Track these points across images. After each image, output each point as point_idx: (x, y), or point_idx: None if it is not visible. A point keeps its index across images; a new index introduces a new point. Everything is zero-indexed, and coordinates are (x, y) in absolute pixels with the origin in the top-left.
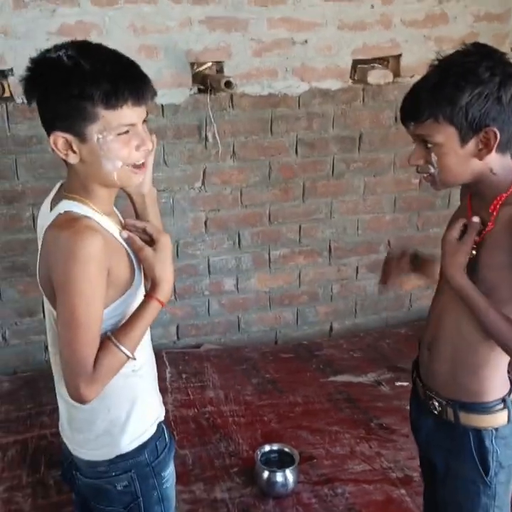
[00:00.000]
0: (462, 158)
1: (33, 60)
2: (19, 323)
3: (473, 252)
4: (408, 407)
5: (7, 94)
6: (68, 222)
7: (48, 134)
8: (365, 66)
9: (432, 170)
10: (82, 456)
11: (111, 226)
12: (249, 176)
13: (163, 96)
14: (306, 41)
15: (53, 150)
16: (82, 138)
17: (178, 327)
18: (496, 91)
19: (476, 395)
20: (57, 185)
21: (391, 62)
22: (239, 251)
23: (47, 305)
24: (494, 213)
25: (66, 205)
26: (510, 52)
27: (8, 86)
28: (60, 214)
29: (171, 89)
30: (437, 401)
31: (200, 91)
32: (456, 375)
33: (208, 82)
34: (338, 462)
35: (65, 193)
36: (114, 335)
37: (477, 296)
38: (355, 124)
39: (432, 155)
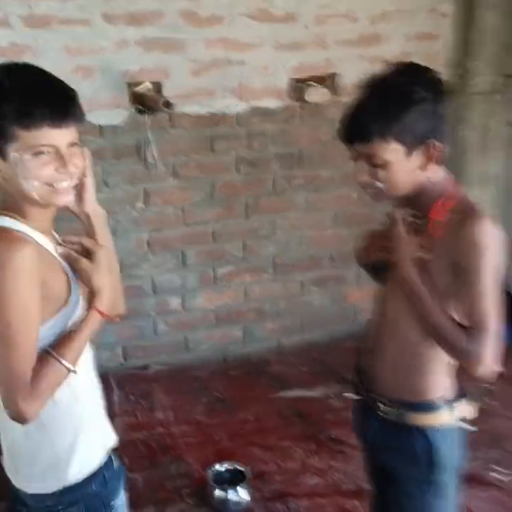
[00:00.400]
0: (408, 172)
1: None
2: None
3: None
4: None
5: None
6: (0, 235)
7: None
8: (303, 85)
9: (379, 185)
10: (27, 489)
11: (45, 242)
12: (192, 194)
13: (102, 117)
14: (243, 61)
15: None
16: (3, 156)
17: (124, 348)
18: (434, 106)
19: (419, 395)
20: None
21: (328, 81)
22: (184, 270)
23: None
24: (441, 219)
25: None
26: (442, 69)
27: None
28: None
29: (109, 110)
30: (382, 402)
31: (139, 111)
32: (398, 375)
33: (146, 102)
34: (290, 477)
35: (0, 211)
36: (53, 348)
37: (424, 291)
38: (295, 142)
39: (379, 171)
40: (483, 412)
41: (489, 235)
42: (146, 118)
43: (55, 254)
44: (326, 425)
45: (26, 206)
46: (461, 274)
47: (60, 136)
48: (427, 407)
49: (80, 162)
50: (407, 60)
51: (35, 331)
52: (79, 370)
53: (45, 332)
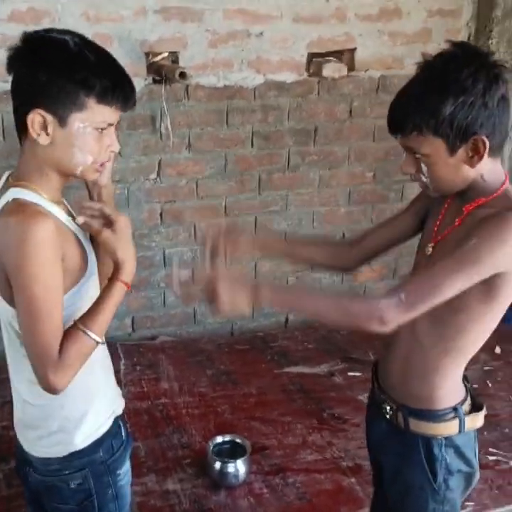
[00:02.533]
0: (453, 168)
1: (28, 34)
2: None
3: (430, 249)
4: (360, 397)
5: None
6: (17, 209)
7: (26, 110)
8: (320, 59)
9: (424, 179)
10: (35, 453)
11: (60, 214)
12: (205, 167)
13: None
14: (261, 33)
15: (20, 127)
16: (62, 122)
17: (133, 319)
18: (480, 98)
19: (425, 402)
20: (4, 178)
21: (346, 55)
22: (195, 243)
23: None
24: (465, 212)
25: (14, 193)
26: None
27: None
28: (7, 202)
29: None
30: (389, 405)
31: (155, 81)
32: (406, 379)
33: (162, 72)
34: (290, 452)
35: (13, 182)
36: (80, 321)
37: (290, 300)
38: (310, 117)
39: (422, 165)
40: (481, 395)
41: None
42: (162, 89)
43: (70, 227)
44: (329, 403)
45: (50, 174)
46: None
47: (117, 117)
48: (434, 416)
49: None
50: (426, 36)
51: (59, 303)
52: None
53: (65, 304)
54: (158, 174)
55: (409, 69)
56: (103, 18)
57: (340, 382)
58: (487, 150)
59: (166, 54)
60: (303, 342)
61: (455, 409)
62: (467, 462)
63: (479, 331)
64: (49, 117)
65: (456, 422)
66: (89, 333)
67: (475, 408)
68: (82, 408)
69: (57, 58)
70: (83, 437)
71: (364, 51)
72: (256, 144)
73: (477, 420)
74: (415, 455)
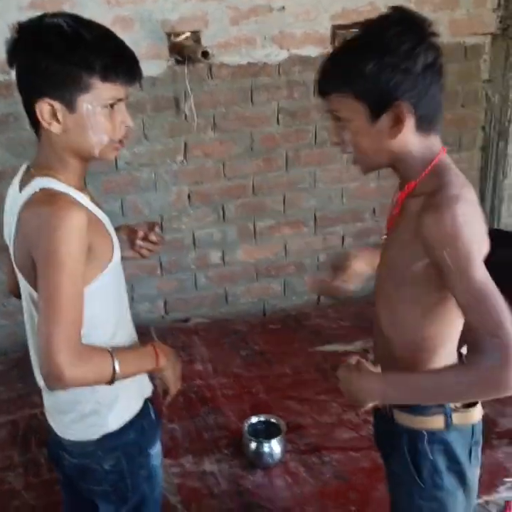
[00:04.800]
0: (375, 137)
1: (22, 24)
2: (7, 304)
3: (384, 237)
4: None
5: None
6: (48, 199)
7: (32, 102)
8: (345, 32)
9: (348, 150)
10: (68, 436)
11: (86, 201)
12: (232, 147)
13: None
14: (283, 7)
15: (33, 119)
16: (70, 107)
17: (165, 302)
18: (404, 61)
19: None
20: (23, 168)
21: None
22: (224, 223)
23: (25, 287)
24: (399, 200)
25: (41, 182)
26: (489, 14)
27: None
28: (36, 192)
29: (148, 61)
30: None
31: (177, 62)
32: (389, 369)
33: (185, 53)
34: (325, 431)
35: (36, 171)
36: (113, 349)
37: (410, 390)
38: None
39: (345, 132)
40: None
41: (457, 226)
42: (185, 69)
43: (95, 212)
44: None
45: (71, 161)
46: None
47: (126, 92)
48: (416, 409)
49: None
50: (454, 3)
51: (82, 295)
52: (122, 323)
53: (92, 291)
54: (185, 156)
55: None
56: (123, 0)
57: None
58: (411, 121)
59: (187, 34)
60: (336, 319)
61: (441, 404)
62: (456, 461)
63: (443, 321)
64: (57, 104)
65: (441, 417)
66: (115, 359)
67: (470, 404)
68: (113, 391)
69: (53, 43)
70: (116, 419)
71: None
72: (282, 121)
73: (469, 417)
74: (400, 448)
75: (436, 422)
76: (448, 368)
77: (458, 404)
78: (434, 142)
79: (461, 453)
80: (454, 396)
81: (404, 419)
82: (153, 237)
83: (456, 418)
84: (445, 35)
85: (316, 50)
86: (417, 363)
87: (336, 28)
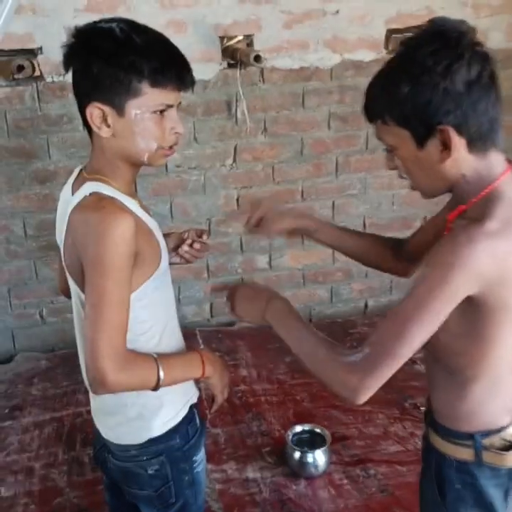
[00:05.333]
0: (426, 164)
1: (79, 28)
2: (55, 301)
3: None
4: None
5: (37, 73)
6: (98, 203)
7: (84, 105)
8: (400, 36)
9: (404, 176)
10: (113, 439)
11: (136, 208)
12: (281, 151)
13: (193, 72)
14: (337, 11)
15: (86, 123)
16: (120, 111)
17: (211, 305)
18: (440, 81)
19: (442, 417)
20: (77, 170)
21: None
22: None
23: (74, 289)
24: (448, 221)
25: (92, 187)
26: None
27: (38, 65)
28: (86, 196)
29: (200, 65)
30: (425, 407)
31: (229, 66)
32: (434, 384)
33: (237, 56)
34: (370, 443)
35: (88, 175)
36: (159, 356)
37: (284, 330)
38: None
39: (396, 160)
40: None
41: (458, 254)
42: (237, 73)
43: (144, 219)
44: (411, 392)
45: (121, 166)
46: None
47: (177, 98)
48: (448, 434)
49: None
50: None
51: (128, 301)
52: (169, 330)
53: (138, 296)
54: (235, 160)
55: (494, 42)
56: (177, 3)
57: (421, 370)
58: (461, 143)
59: (240, 37)
60: None
61: (472, 437)
62: (486, 499)
63: (484, 355)
64: (107, 109)
65: (471, 450)
66: (160, 366)
67: (506, 447)
68: (159, 396)
69: (105, 48)
70: (161, 424)
71: None
72: (333, 126)
73: (503, 459)
74: (429, 467)
75: (465, 453)
76: (323, 337)
77: (497, 443)
78: (494, 161)
79: (494, 492)
80: (306, 359)
81: (435, 440)
82: (196, 245)
83: (487, 456)
84: (501, 40)
85: (370, 55)
86: (465, 390)
87: (390, 32)
